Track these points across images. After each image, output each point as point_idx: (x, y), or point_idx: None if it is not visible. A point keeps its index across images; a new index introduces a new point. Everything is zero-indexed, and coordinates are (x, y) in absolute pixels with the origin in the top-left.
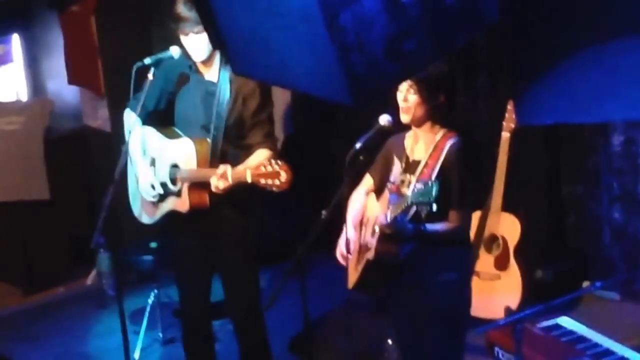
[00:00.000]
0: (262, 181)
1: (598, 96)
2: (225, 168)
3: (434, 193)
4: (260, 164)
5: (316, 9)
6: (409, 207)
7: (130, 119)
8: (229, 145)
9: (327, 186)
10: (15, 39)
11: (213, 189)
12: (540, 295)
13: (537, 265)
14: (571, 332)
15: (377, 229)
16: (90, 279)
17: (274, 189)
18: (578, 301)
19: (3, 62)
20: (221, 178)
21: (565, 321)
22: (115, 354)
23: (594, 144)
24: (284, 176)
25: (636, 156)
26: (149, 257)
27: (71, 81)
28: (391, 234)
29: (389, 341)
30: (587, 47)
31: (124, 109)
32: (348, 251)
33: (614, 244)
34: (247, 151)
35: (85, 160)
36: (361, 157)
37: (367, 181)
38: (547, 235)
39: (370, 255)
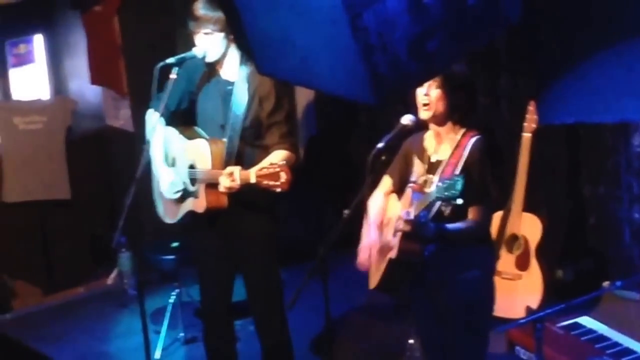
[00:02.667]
0: (264, 182)
1: (619, 95)
2: (233, 169)
3: (459, 187)
4: (262, 166)
5: (339, 9)
6: (433, 203)
7: (153, 118)
8: (245, 146)
9: (349, 186)
10: (37, 39)
11: (222, 189)
12: (561, 294)
13: (557, 265)
14: (591, 331)
15: (399, 227)
16: (111, 279)
17: (275, 189)
18: (598, 301)
19: (25, 62)
20: (229, 178)
21: (586, 320)
22: (136, 354)
23: (614, 144)
24: (283, 177)
25: None
26: (170, 257)
27: (94, 81)
28: (413, 232)
29: (411, 341)
30: (608, 46)
31: (146, 109)
32: (369, 255)
33: (634, 244)
34: (265, 152)
35: (107, 160)
36: (383, 157)
37: (386, 182)
38: (567, 235)
39: (392, 254)
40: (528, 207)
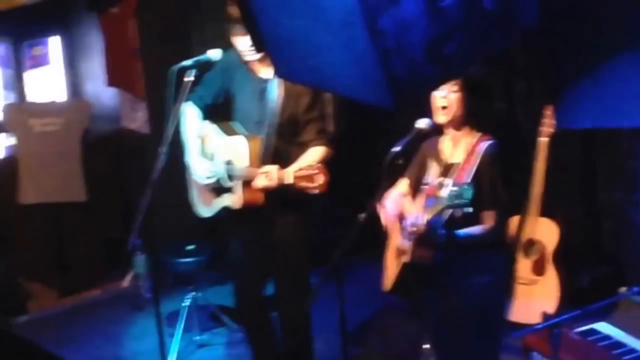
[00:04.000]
0: (301, 183)
1: (635, 100)
2: (269, 168)
3: (469, 196)
4: (300, 166)
5: (357, 12)
6: (444, 210)
7: (190, 112)
8: (282, 143)
9: (366, 189)
10: (53, 41)
11: (256, 186)
12: (577, 300)
13: (574, 270)
14: (608, 337)
15: (412, 231)
16: (126, 281)
17: (311, 191)
18: (615, 306)
19: (41, 64)
20: (265, 177)
21: (602, 326)
22: (150, 357)
23: (630, 149)
24: (320, 179)
25: None
26: (185, 260)
27: (110, 83)
28: (426, 237)
29: (425, 346)
30: (624, 52)
31: (162, 111)
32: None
33: None
34: (301, 148)
35: (123, 162)
36: (399, 162)
37: (403, 184)
38: (584, 241)
39: (405, 258)
40: (544, 212)
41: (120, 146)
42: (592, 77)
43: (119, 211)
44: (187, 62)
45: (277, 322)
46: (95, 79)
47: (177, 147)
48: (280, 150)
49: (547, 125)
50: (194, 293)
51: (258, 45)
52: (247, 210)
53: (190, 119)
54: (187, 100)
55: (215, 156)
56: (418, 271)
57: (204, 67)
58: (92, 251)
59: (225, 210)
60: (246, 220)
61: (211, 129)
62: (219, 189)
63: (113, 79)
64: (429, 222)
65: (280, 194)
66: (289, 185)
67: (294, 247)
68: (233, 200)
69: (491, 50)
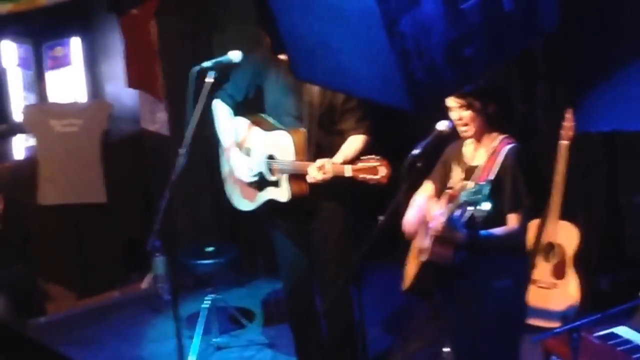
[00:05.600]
0: (361, 176)
1: None
2: (324, 161)
3: (486, 192)
4: (359, 159)
5: (376, 14)
6: (461, 206)
7: (221, 109)
8: (322, 133)
9: (385, 191)
10: (74, 42)
11: (310, 179)
12: (598, 304)
13: (594, 274)
14: (628, 342)
15: (433, 230)
16: (145, 283)
17: (372, 183)
18: (635, 310)
19: (62, 65)
20: (319, 170)
21: (622, 330)
22: (169, 359)
23: None
24: (383, 171)
25: None
26: (205, 261)
27: (130, 84)
28: (445, 236)
29: (445, 349)
30: None
31: (182, 112)
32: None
33: None
34: (341, 137)
35: (143, 163)
36: (419, 164)
37: (427, 187)
38: (604, 244)
39: (424, 257)
40: (565, 215)
41: (140, 147)
42: (613, 80)
43: (139, 212)
44: (207, 64)
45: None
46: (115, 80)
47: (197, 149)
48: (321, 141)
49: (568, 128)
50: (213, 295)
51: (277, 47)
52: (291, 202)
53: (223, 117)
54: (216, 98)
55: (254, 151)
56: (437, 272)
57: (225, 69)
58: (111, 253)
59: (268, 203)
60: (290, 212)
61: (245, 125)
62: (261, 183)
63: (133, 80)
64: (448, 220)
65: (324, 185)
66: (346, 178)
67: (338, 238)
68: (279, 193)
69: (511, 53)
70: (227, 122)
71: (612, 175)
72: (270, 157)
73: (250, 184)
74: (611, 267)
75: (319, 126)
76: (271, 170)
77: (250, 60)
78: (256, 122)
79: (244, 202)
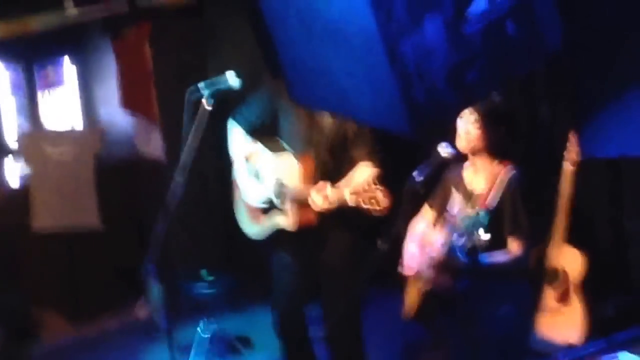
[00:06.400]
0: (361, 203)
1: None
2: (324, 185)
3: (484, 220)
4: (360, 186)
5: (377, 38)
6: (461, 234)
7: (235, 131)
8: (332, 160)
9: (385, 216)
10: (66, 65)
11: (314, 207)
12: (603, 330)
13: (599, 300)
14: None
15: (435, 258)
16: (140, 310)
17: (372, 211)
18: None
19: (54, 85)
20: (320, 194)
21: (627, 357)
22: None
23: None
24: (382, 201)
25: None
26: (201, 287)
27: (125, 107)
28: (446, 264)
29: None
30: None
31: (177, 136)
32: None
33: None
34: (351, 165)
35: (137, 188)
36: (419, 188)
37: (427, 212)
38: (609, 270)
39: (424, 285)
40: (569, 240)
41: (135, 171)
42: (618, 104)
43: (134, 238)
44: (202, 85)
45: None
46: (109, 103)
47: (195, 174)
48: (331, 168)
49: (572, 152)
50: (209, 322)
51: (274, 70)
52: (298, 230)
53: (236, 138)
54: (230, 119)
55: (263, 175)
56: (439, 299)
57: (220, 90)
58: (106, 279)
59: (274, 231)
60: (296, 241)
61: (257, 148)
62: (268, 210)
63: (127, 103)
64: (447, 249)
65: (333, 214)
66: (347, 206)
67: (345, 268)
68: (286, 222)
69: (514, 76)
70: (240, 145)
71: (617, 200)
72: (279, 182)
73: (259, 210)
74: (616, 293)
75: (329, 152)
76: (281, 196)
77: (265, 83)
78: (268, 146)
79: (251, 227)
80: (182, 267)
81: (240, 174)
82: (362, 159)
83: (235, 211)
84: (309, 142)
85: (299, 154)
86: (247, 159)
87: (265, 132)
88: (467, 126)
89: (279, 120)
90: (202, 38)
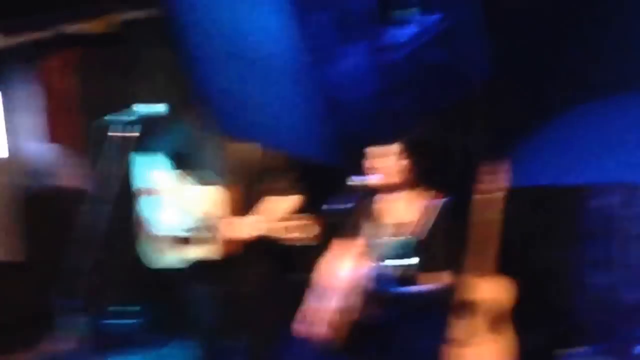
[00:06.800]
0: (291, 234)
1: (593, 157)
2: (254, 217)
3: (410, 249)
4: (285, 216)
5: (302, 66)
6: (386, 263)
7: (152, 164)
8: (255, 191)
9: (304, 247)
10: None
11: (237, 236)
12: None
13: (526, 330)
14: None
15: (360, 289)
16: (65, 344)
17: (302, 242)
18: None
19: None
20: (247, 227)
21: None
22: None
23: (582, 205)
24: (312, 230)
25: (623, 219)
26: (128, 321)
27: (49, 138)
28: (372, 294)
29: None
30: (582, 107)
31: (104, 166)
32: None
33: (600, 310)
34: (272, 195)
35: (62, 220)
36: (335, 219)
37: (352, 242)
38: (534, 300)
39: (351, 315)
40: (496, 270)
41: (59, 203)
42: (546, 133)
43: (59, 271)
44: (128, 117)
45: None
46: (33, 133)
47: (115, 204)
48: (254, 199)
49: (501, 181)
50: (134, 356)
51: (198, 100)
52: (220, 261)
53: (153, 171)
54: (146, 152)
55: (186, 207)
56: (363, 329)
57: (148, 122)
58: (30, 313)
59: (196, 261)
60: (217, 272)
61: (178, 179)
62: (191, 241)
63: (52, 134)
64: (374, 278)
65: (255, 244)
66: (268, 237)
67: (267, 298)
68: (209, 251)
69: (442, 103)
70: (160, 176)
71: (544, 230)
72: (200, 214)
73: (177, 240)
74: (541, 323)
75: (252, 183)
76: (200, 228)
77: (184, 114)
78: (189, 177)
79: (171, 259)
80: (101, 300)
81: (164, 206)
82: (283, 190)
83: (143, 246)
84: (231, 172)
85: (221, 185)
86: (166, 191)
87: (185, 163)
88: (390, 161)
89: (199, 151)
90: (127, 66)
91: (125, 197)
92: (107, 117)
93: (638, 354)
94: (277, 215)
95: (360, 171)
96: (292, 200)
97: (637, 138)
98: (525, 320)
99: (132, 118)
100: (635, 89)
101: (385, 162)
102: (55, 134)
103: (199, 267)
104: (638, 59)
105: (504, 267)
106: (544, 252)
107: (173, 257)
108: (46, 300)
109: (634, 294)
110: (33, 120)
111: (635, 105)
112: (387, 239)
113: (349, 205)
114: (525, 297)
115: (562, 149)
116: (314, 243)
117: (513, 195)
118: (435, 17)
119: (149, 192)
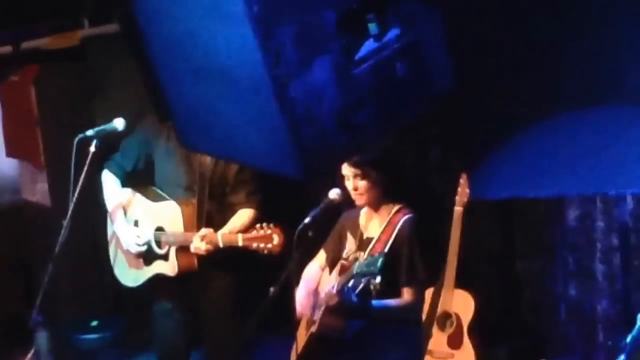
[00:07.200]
0: (254, 245)
1: (555, 170)
2: (207, 231)
3: (379, 264)
4: (252, 227)
5: (265, 80)
6: (354, 278)
7: (109, 180)
8: (212, 205)
9: (277, 261)
10: None
11: (194, 250)
12: None
13: (492, 343)
14: None
15: (325, 301)
16: (33, 358)
17: (266, 252)
18: None
19: None
20: (204, 241)
21: None
22: None
23: (549, 218)
24: (276, 239)
25: (592, 231)
26: (90, 336)
27: (9, 153)
28: (337, 307)
29: None
30: (542, 120)
31: (64, 182)
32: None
33: (570, 321)
34: (231, 210)
35: (23, 235)
36: (310, 233)
37: (321, 256)
38: (502, 312)
39: (313, 328)
40: (460, 283)
41: (20, 219)
42: (508, 146)
43: (20, 286)
44: (90, 132)
45: None
46: None
47: (80, 219)
48: (211, 214)
49: (462, 195)
50: None
51: (162, 115)
52: (179, 276)
53: (110, 187)
54: (104, 168)
55: (142, 223)
56: (329, 344)
57: (110, 137)
58: None
59: (154, 278)
60: (177, 287)
61: (133, 196)
62: (148, 256)
63: (12, 149)
64: (339, 291)
65: (214, 258)
66: (229, 250)
67: (229, 311)
68: (167, 267)
69: (405, 118)
70: (114, 193)
71: (509, 242)
72: (159, 229)
73: (138, 257)
74: (509, 335)
75: (209, 198)
76: (159, 243)
77: (139, 128)
78: (144, 194)
79: (130, 276)
80: (70, 314)
81: (119, 222)
82: (242, 205)
83: (107, 261)
84: (189, 187)
85: (178, 200)
86: (123, 207)
87: (140, 179)
88: (353, 182)
89: (155, 166)
90: (88, 81)
91: (88, 212)
92: (69, 133)
93: None
94: (238, 227)
95: (324, 185)
96: (253, 213)
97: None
98: (495, 332)
99: (94, 134)
100: (603, 101)
101: (349, 177)
102: (14, 149)
103: (161, 282)
104: (604, 73)
105: (471, 280)
106: (512, 265)
107: (135, 272)
108: (10, 316)
109: (605, 305)
110: None
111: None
112: (357, 254)
113: (319, 217)
114: (494, 310)
115: (529, 162)
116: (276, 253)
117: (477, 209)
118: (395, 31)
119: (112, 206)
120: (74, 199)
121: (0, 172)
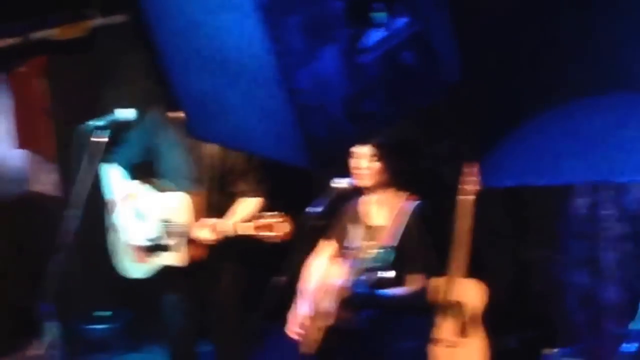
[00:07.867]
0: (263, 233)
1: (562, 158)
2: (215, 220)
3: (390, 259)
4: (260, 216)
5: (274, 69)
6: (367, 271)
7: (115, 173)
8: (220, 195)
9: (284, 250)
10: None
11: (202, 240)
12: None
13: (501, 331)
14: None
15: (336, 293)
16: (37, 350)
17: (274, 240)
18: None
19: None
20: (211, 230)
21: None
22: None
23: (557, 207)
24: (285, 227)
25: (600, 220)
26: (100, 326)
27: (20, 144)
28: (350, 299)
29: None
30: (550, 110)
31: (74, 172)
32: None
33: (579, 310)
34: (238, 199)
35: (32, 226)
36: (316, 222)
37: (326, 247)
38: (511, 301)
39: (329, 321)
40: (470, 272)
41: (29, 209)
42: (517, 135)
43: (29, 277)
44: (99, 122)
45: None
46: (2, 140)
47: (89, 210)
48: (219, 203)
49: (472, 184)
50: None
51: (172, 105)
52: (189, 266)
53: (116, 180)
54: (109, 160)
55: (149, 215)
56: (340, 334)
57: (119, 127)
58: (8, 319)
59: (164, 269)
60: (186, 277)
61: (139, 188)
62: (156, 248)
63: (22, 140)
64: (353, 284)
65: (223, 247)
66: (236, 239)
67: (237, 302)
68: (177, 258)
69: (414, 107)
70: (120, 185)
71: (518, 231)
72: (167, 221)
73: (145, 249)
74: (518, 324)
75: (217, 188)
76: (168, 234)
77: (146, 119)
78: (151, 185)
79: (136, 268)
80: (79, 305)
81: (126, 215)
82: (248, 193)
83: (114, 253)
84: (196, 177)
85: (185, 190)
86: (128, 199)
87: (145, 170)
88: (366, 162)
89: (161, 158)
90: (98, 72)
91: (97, 204)
92: (80, 123)
93: (617, 353)
94: (245, 216)
95: (332, 174)
96: (257, 205)
97: (614, 138)
98: (504, 321)
99: (104, 123)
100: (612, 88)
101: (358, 165)
102: (25, 140)
103: (169, 273)
104: (610, 60)
105: (479, 269)
106: (520, 253)
107: (143, 264)
108: (24, 306)
109: (613, 293)
110: (3, 127)
111: (612, 104)
112: (364, 243)
113: (325, 207)
114: (502, 298)
115: (537, 150)
116: (285, 241)
117: (486, 197)
118: (404, 20)
119: (118, 199)
120: (82, 189)
121: (6, 164)
